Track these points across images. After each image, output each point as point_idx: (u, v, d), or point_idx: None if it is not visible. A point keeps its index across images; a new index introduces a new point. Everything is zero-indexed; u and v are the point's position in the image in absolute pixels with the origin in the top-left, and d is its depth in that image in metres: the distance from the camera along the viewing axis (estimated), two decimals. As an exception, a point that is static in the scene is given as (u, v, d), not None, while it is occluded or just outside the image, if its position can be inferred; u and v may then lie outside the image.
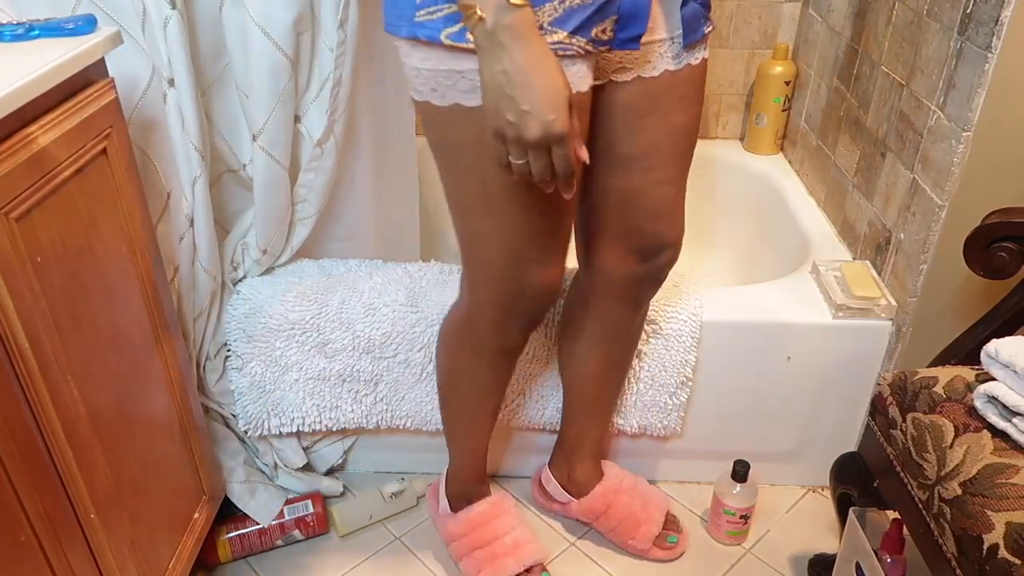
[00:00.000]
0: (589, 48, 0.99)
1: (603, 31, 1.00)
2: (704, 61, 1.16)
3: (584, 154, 0.94)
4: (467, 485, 1.52)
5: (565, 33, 0.96)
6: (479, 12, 0.86)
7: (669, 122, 1.15)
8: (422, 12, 0.97)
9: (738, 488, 1.55)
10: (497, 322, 1.25)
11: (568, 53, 0.98)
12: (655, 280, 1.32)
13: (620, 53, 1.08)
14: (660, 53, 1.10)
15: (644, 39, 1.05)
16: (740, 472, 1.54)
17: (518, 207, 1.09)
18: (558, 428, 1.61)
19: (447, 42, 0.96)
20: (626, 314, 1.37)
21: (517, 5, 0.86)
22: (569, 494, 1.58)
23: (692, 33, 1.10)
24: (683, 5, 1.08)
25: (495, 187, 1.06)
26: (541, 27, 0.94)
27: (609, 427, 1.59)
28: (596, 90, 1.11)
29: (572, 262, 1.31)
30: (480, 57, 0.89)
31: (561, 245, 1.18)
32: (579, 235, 1.31)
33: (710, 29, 1.14)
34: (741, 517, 1.57)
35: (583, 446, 1.54)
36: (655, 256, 1.27)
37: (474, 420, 1.44)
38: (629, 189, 1.20)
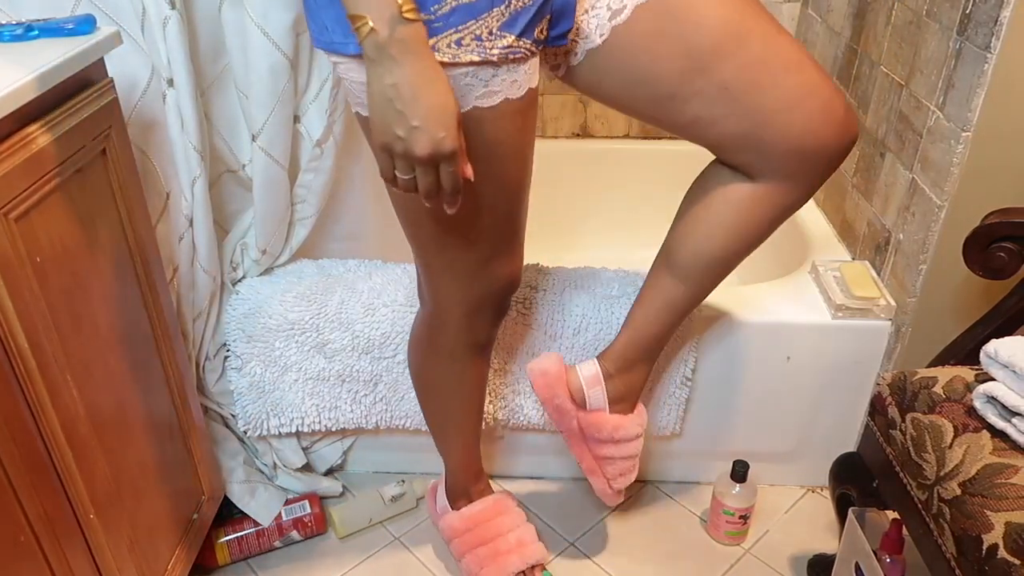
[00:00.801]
0: (533, 49, 1.00)
1: (541, 31, 1.01)
2: None
3: (469, 172, 0.94)
4: (466, 484, 1.52)
5: (513, 36, 0.96)
6: (371, 24, 0.85)
7: (680, 25, 1.04)
8: None
9: (737, 488, 1.55)
10: (467, 321, 1.26)
11: (517, 56, 0.98)
12: (834, 156, 1.12)
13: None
14: (605, 5, 1.06)
15: (587, 4, 1.06)
16: (739, 472, 1.54)
17: (477, 209, 1.09)
18: (556, 429, 1.61)
19: None
20: (782, 187, 1.19)
21: (410, 20, 0.85)
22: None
23: None
24: None
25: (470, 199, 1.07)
26: (491, 32, 0.95)
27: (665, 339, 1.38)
28: (596, 53, 1.08)
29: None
30: (369, 69, 0.88)
31: (518, 238, 1.19)
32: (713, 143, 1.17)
33: None
34: (740, 517, 1.57)
35: (649, 347, 1.35)
36: (827, 130, 1.09)
37: (459, 422, 1.45)
38: (742, 77, 1.06)
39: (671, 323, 1.32)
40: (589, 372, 1.35)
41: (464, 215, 1.08)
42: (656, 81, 1.09)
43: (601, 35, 1.07)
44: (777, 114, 1.07)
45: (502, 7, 0.94)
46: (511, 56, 0.98)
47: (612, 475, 1.42)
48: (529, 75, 1.02)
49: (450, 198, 0.94)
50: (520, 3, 0.95)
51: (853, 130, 1.11)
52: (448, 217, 1.07)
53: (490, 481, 1.58)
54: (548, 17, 1.00)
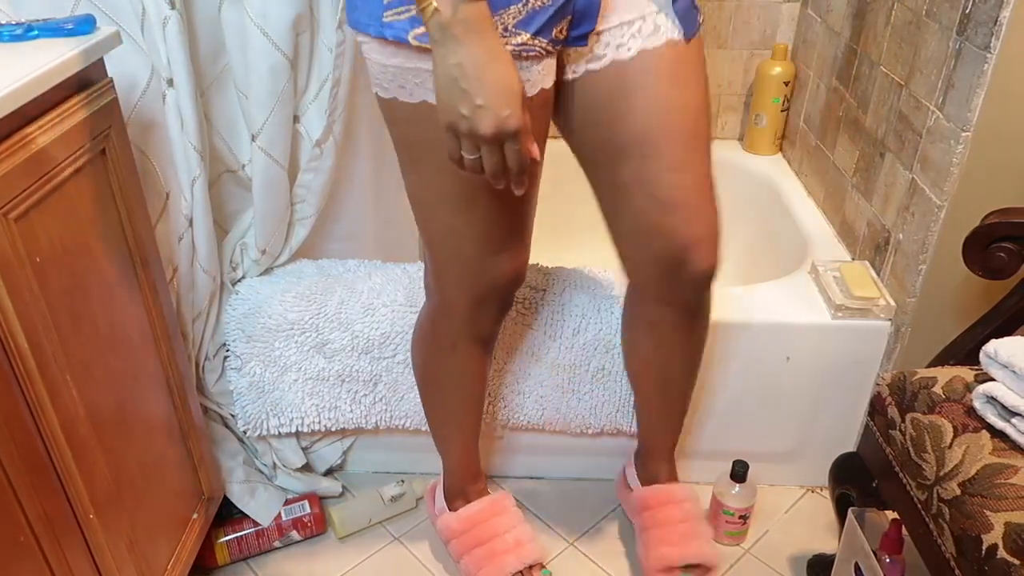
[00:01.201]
0: (550, 48, 1.01)
1: (560, 31, 1.01)
2: (695, 41, 1.11)
3: (535, 151, 0.94)
4: (463, 484, 1.52)
5: (528, 35, 0.97)
6: (435, 4, 0.85)
7: (659, 101, 1.10)
8: (390, 12, 0.97)
9: (737, 488, 1.55)
10: (472, 312, 1.26)
11: (531, 54, 0.99)
12: (685, 283, 1.22)
13: (591, 41, 1.08)
14: (631, 33, 1.07)
15: (614, 20, 1.06)
16: (739, 472, 1.54)
17: (491, 200, 1.10)
18: (557, 428, 1.61)
19: (414, 43, 0.96)
20: (668, 316, 1.30)
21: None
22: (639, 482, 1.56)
23: (689, 27, 1.09)
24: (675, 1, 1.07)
25: (469, 182, 1.07)
26: (506, 29, 0.95)
27: (676, 433, 1.51)
28: (573, 84, 1.11)
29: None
30: (434, 50, 0.89)
31: (527, 231, 1.21)
32: (611, 238, 1.28)
33: (702, 19, 1.13)
34: (740, 517, 1.57)
35: (654, 446, 1.52)
36: (679, 254, 1.17)
37: (460, 419, 1.45)
38: (634, 182, 1.14)
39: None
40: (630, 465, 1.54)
41: (477, 208, 1.10)
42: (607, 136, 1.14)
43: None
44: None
45: (519, 5, 0.95)
46: (524, 54, 0.98)
47: (651, 547, 1.49)
48: (543, 75, 1.02)
49: (517, 178, 0.94)
50: (539, 3, 0.96)
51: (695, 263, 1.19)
52: (469, 208, 1.09)
53: (490, 481, 1.58)
54: (569, 18, 1.01)
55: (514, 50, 0.96)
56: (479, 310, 1.26)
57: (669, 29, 1.08)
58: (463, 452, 1.50)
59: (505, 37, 0.95)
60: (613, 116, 1.12)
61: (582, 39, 1.04)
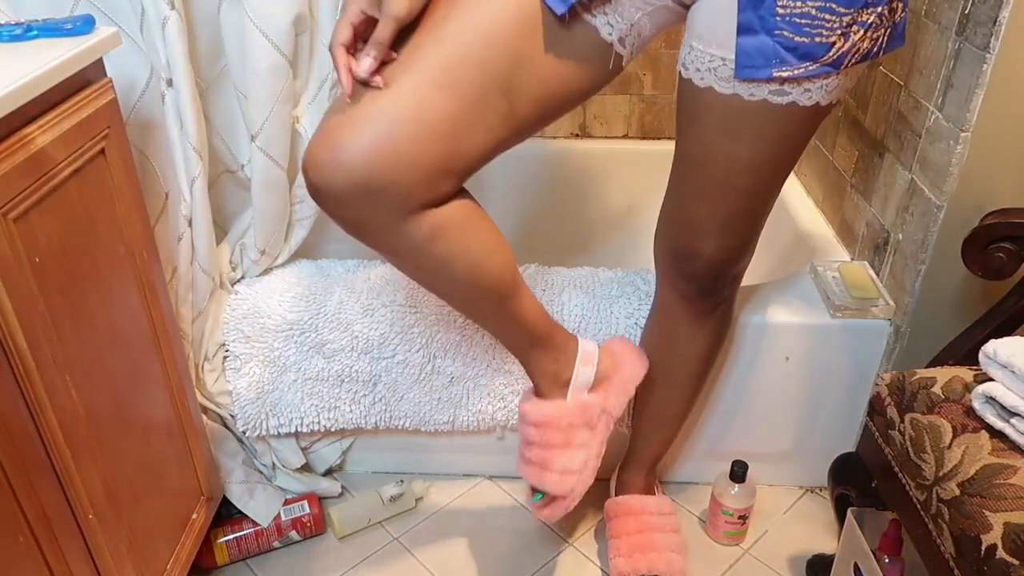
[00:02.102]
0: None
1: None
2: (768, 103, 1.05)
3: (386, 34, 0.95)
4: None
5: None
6: None
7: (707, 142, 1.12)
8: None
9: (736, 488, 1.55)
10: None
11: None
12: (691, 282, 1.28)
13: (686, 49, 1.09)
14: (710, 67, 1.06)
15: (696, 44, 1.06)
16: (738, 472, 1.54)
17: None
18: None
19: None
20: (678, 306, 1.33)
21: None
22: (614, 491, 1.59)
23: (752, 68, 1.03)
24: (742, 33, 1.01)
25: None
26: None
27: (660, 445, 1.54)
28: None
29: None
30: None
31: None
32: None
33: (790, 73, 1.02)
34: (739, 518, 1.57)
35: (635, 454, 1.54)
36: (689, 264, 1.25)
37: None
38: (671, 193, 1.22)
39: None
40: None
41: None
42: None
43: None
44: None
45: None
46: None
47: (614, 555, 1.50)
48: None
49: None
50: None
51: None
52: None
53: (492, 482, 1.58)
54: None
55: None
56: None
57: (747, 86, 1.05)
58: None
59: None
60: (679, 127, 1.16)
61: (561, 2, 1.00)
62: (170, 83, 1.28)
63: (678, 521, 1.55)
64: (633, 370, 1.32)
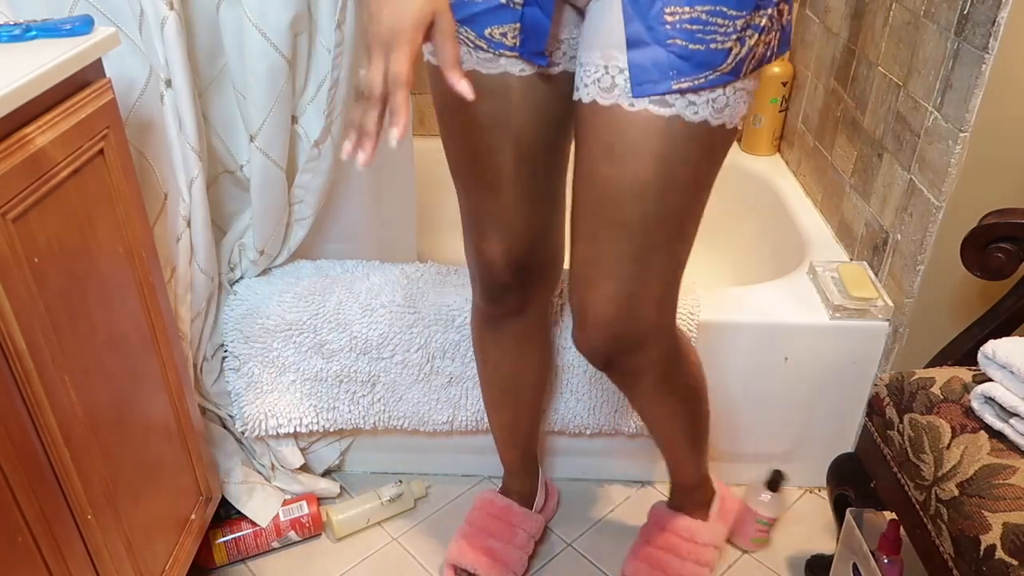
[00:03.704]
0: (482, 44, 1.01)
1: (504, 35, 0.99)
2: (649, 114, 0.96)
3: (406, 73, 0.84)
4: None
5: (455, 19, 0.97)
6: None
7: (590, 165, 1.03)
8: None
9: (771, 497, 1.53)
10: (473, 283, 1.30)
11: (461, 39, 1.01)
12: (592, 358, 1.16)
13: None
14: (595, 78, 0.99)
15: (584, 57, 1.00)
16: (775, 481, 1.53)
17: (470, 178, 1.16)
18: (554, 429, 1.61)
19: None
20: (617, 380, 1.26)
21: None
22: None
23: (649, 83, 0.95)
24: (632, 46, 0.94)
25: (450, 155, 1.14)
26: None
27: (679, 474, 1.48)
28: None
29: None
30: None
31: (491, 217, 1.17)
32: None
33: (691, 83, 0.94)
34: (769, 525, 1.56)
35: (671, 475, 1.50)
36: (582, 330, 1.13)
37: (485, 396, 1.48)
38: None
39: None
40: None
41: (453, 165, 1.15)
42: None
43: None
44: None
45: None
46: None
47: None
48: (480, 61, 1.04)
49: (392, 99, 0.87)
50: None
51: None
52: (452, 160, 1.15)
53: (489, 481, 1.58)
54: (518, 25, 0.99)
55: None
56: (475, 283, 1.29)
57: (623, 90, 0.97)
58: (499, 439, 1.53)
59: None
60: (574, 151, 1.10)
61: (538, 56, 1.01)
62: (169, 83, 1.28)
63: (714, 556, 1.50)
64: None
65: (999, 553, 0.94)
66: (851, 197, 1.72)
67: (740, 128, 1.03)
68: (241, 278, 1.57)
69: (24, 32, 1.00)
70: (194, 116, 1.31)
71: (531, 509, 1.55)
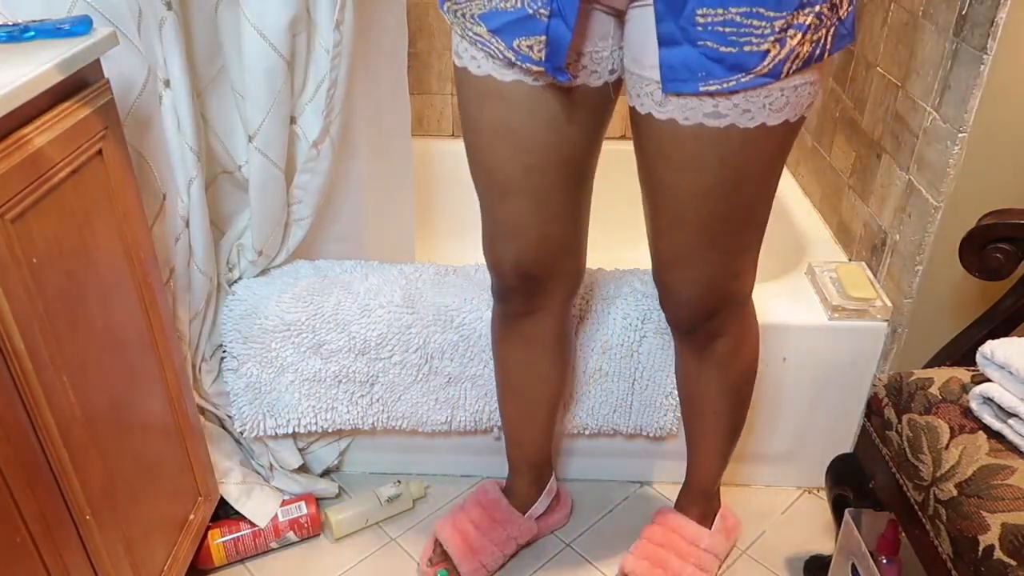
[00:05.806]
0: (510, 56, 1.00)
1: (530, 47, 0.98)
2: (704, 128, 0.98)
3: None
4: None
5: (486, 28, 0.99)
6: None
7: (650, 172, 1.09)
8: None
9: None
10: (493, 280, 1.31)
11: (487, 49, 1.01)
12: (674, 325, 1.28)
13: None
14: (646, 91, 1.01)
15: (632, 68, 1.02)
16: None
17: (475, 181, 1.19)
18: (569, 431, 1.61)
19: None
20: (680, 361, 1.37)
21: None
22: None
23: (678, 82, 0.96)
24: (664, 44, 0.94)
25: (468, 157, 1.17)
26: (472, 16, 1.00)
27: (709, 470, 1.49)
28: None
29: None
30: None
31: (514, 222, 1.19)
32: None
33: (719, 86, 0.94)
34: None
35: (688, 478, 1.52)
36: (663, 295, 1.24)
37: (499, 395, 1.49)
38: (647, 226, 1.19)
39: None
40: None
41: (470, 167, 1.17)
42: None
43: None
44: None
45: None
46: (479, 45, 1.03)
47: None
48: (496, 67, 1.05)
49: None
50: (504, 3, 0.97)
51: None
52: (469, 162, 1.17)
53: (489, 482, 1.58)
54: (543, 38, 0.96)
55: (471, 38, 1.01)
56: (495, 282, 1.30)
57: (681, 109, 0.98)
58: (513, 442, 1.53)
59: (465, 25, 1.00)
60: (636, 154, 1.13)
61: (558, 72, 0.99)
62: (167, 84, 1.28)
63: (714, 565, 1.50)
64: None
65: (997, 553, 0.94)
66: (849, 197, 1.72)
67: (806, 117, 1.03)
68: (240, 278, 1.57)
69: (22, 32, 1.00)
70: (192, 116, 1.31)
71: (524, 513, 1.55)
